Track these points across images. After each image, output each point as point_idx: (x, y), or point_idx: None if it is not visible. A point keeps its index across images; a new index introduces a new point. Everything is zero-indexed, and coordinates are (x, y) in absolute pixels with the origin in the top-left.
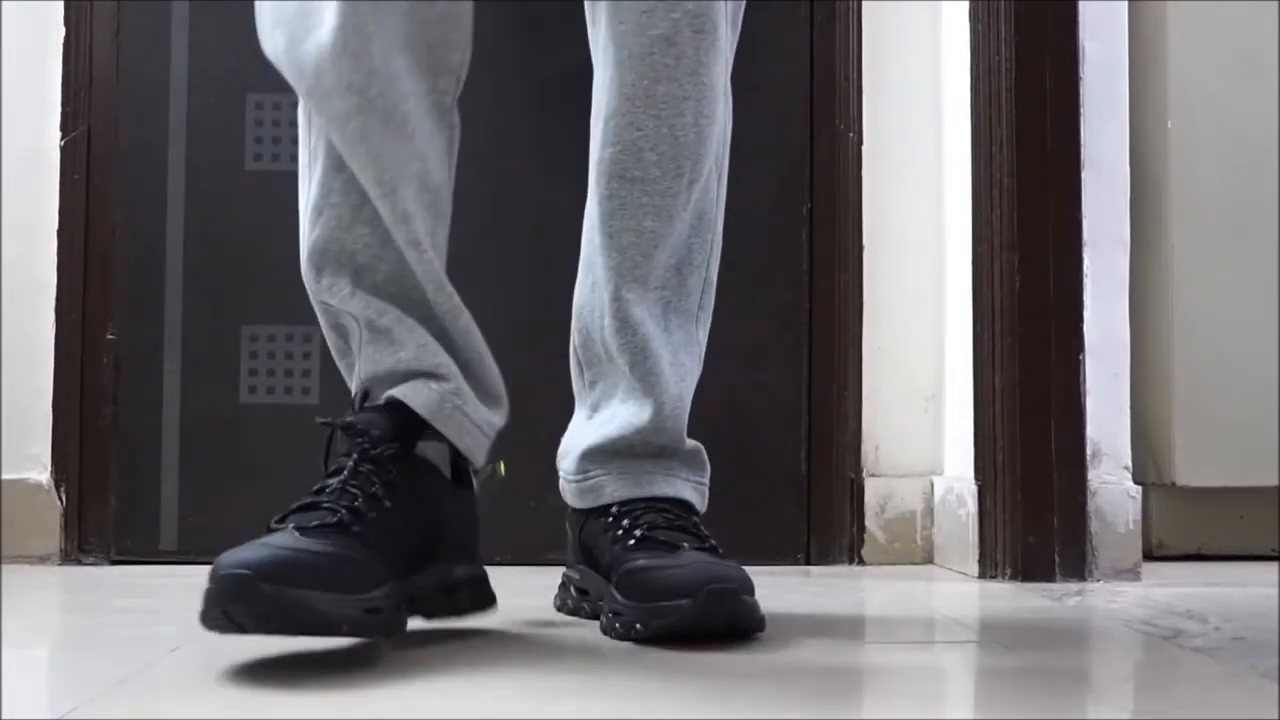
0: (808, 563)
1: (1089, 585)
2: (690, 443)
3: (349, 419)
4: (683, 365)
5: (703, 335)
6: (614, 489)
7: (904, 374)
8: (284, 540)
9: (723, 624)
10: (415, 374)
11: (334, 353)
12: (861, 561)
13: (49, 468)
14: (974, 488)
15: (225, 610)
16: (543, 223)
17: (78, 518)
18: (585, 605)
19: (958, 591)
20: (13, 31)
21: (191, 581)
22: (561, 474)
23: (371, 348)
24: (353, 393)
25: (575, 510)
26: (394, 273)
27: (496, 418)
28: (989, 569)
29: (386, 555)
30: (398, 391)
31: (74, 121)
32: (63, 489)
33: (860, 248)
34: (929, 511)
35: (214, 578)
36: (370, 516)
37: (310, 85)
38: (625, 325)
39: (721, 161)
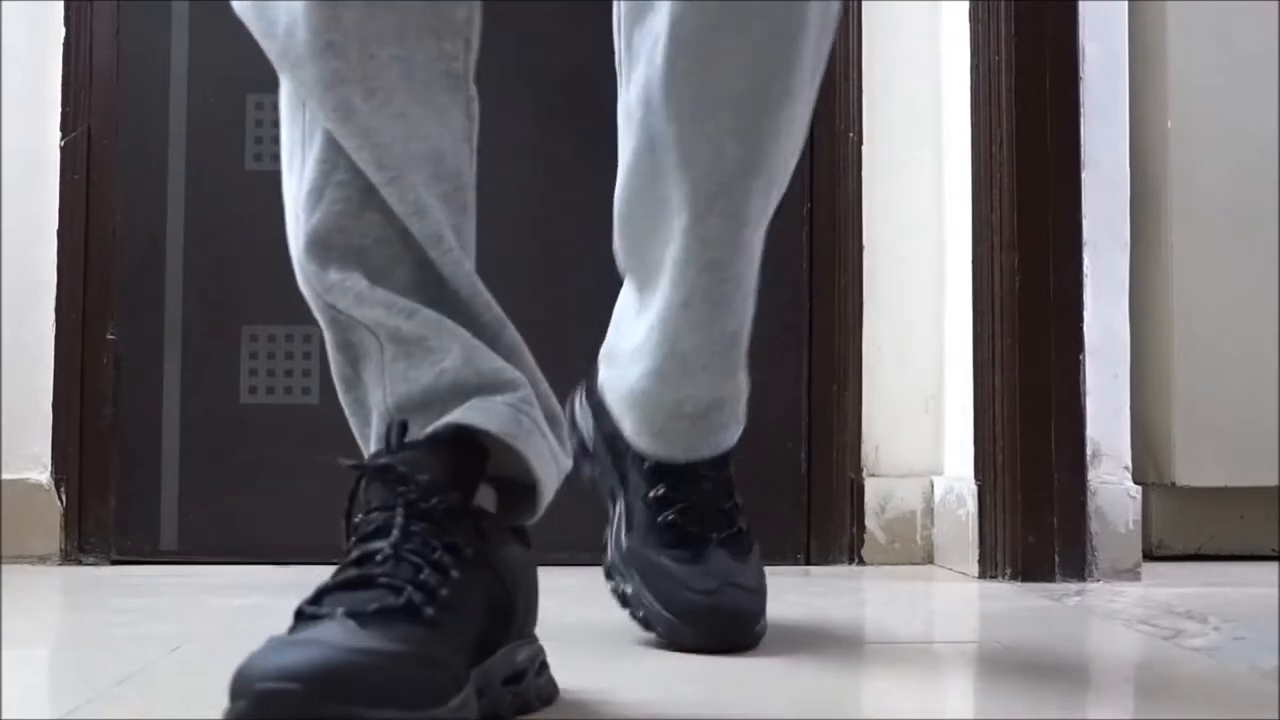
0: (808, 563)
1: (1089, 585)
2: (744, 379)
3: (384, 460)
4: (746, 304)
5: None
6: (655, 446)
7: (904, 374)
8: (336, 635)
9: (729, 646)
10: (467, 388)
11: (338, 382)
12: (861, 561)
13: (49, 467)
14: (974, 488)
15: None
16: (541, 223)
17: (78, 518)
18: (586, 466)
19: (958, 592)
20: (13, 31)
21: (192, 581)
22: (603, 375)
23: (401, 364)
24: (374, 427)
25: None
26: (416, 277)
27: (564, 456)
28: (989, 569)
29: (460, 645)
30: (458, 415)
31: (74, 122)
32: (63, 489)
33: (860, 248)
34: (929, 511)
35: (245, 691)
36: (442, 594)
37: (282, 47)
38: (699, 263)
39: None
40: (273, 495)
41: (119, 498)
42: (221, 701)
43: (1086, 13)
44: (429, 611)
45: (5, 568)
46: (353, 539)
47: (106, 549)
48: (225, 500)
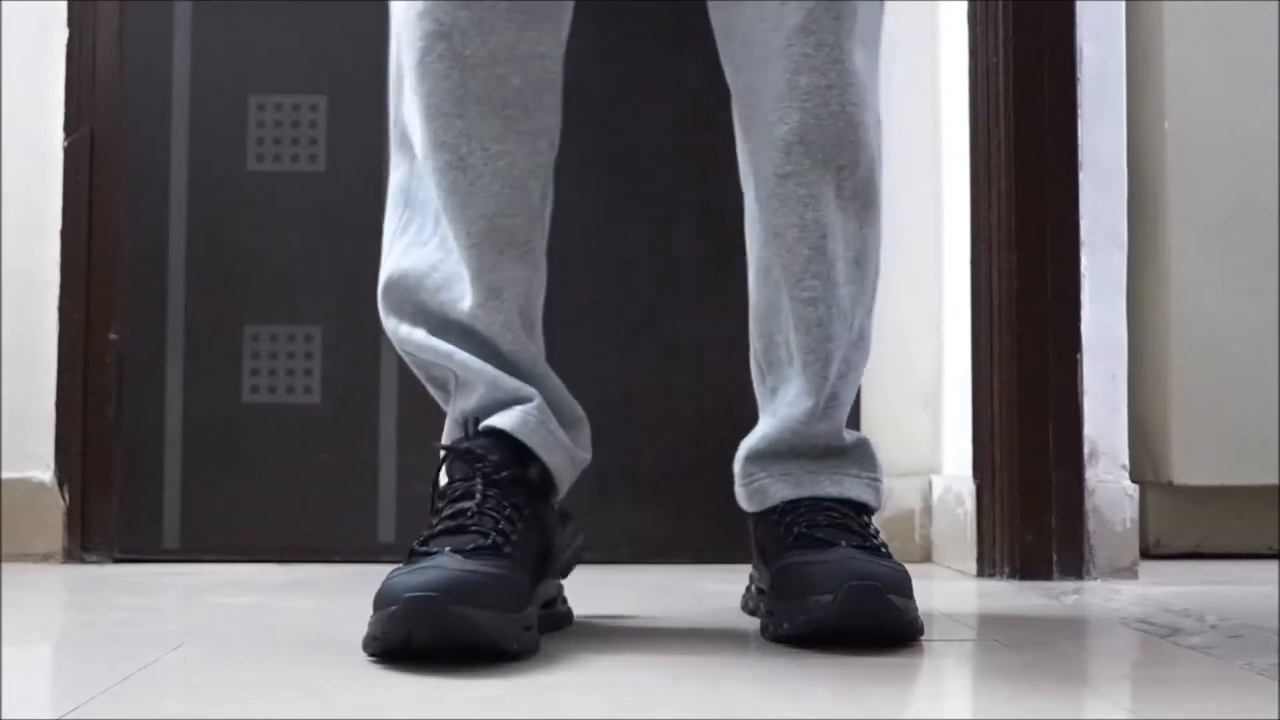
0: None
1: (1086, 583)
2: (852, 436)
3: (466, 445)
4: (847, 361)
5: (872, 325)
6: (777, 490)
7: (903, 373)
8: (450, 563)
9: (868, 624)
10: (497, 405)
11: (429, 386)
12: None
13: (52, 467)
14: (972, 486)
15: (411, 631)
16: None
17: (81, 516)
18: (763, 604)
19: (956, 590)
20: (15, 32)
21: (193, 580)
22: (735, 477)
23: (459, 393)
24: (457, 418)
25: (750, 512)
26: (463, 330)
27: (581, 451)
28: (987, 567)
29: (526, 573)
30: (490, 421)
31: (77, 122)
32: (65, 488)
33: None
34: (927, 510)
35: (396, 600)
36: (513, 538)
37: (414, 140)
38: (803, 323)
39: (880, 148)
40: (274, 494)
41: (121, 496)
42: (223, 700)
43: (1084, 14)
44: (507, 549)
45: (8, 566)
46: (442, 501)
47: (109, 547)
48: (227, 499)
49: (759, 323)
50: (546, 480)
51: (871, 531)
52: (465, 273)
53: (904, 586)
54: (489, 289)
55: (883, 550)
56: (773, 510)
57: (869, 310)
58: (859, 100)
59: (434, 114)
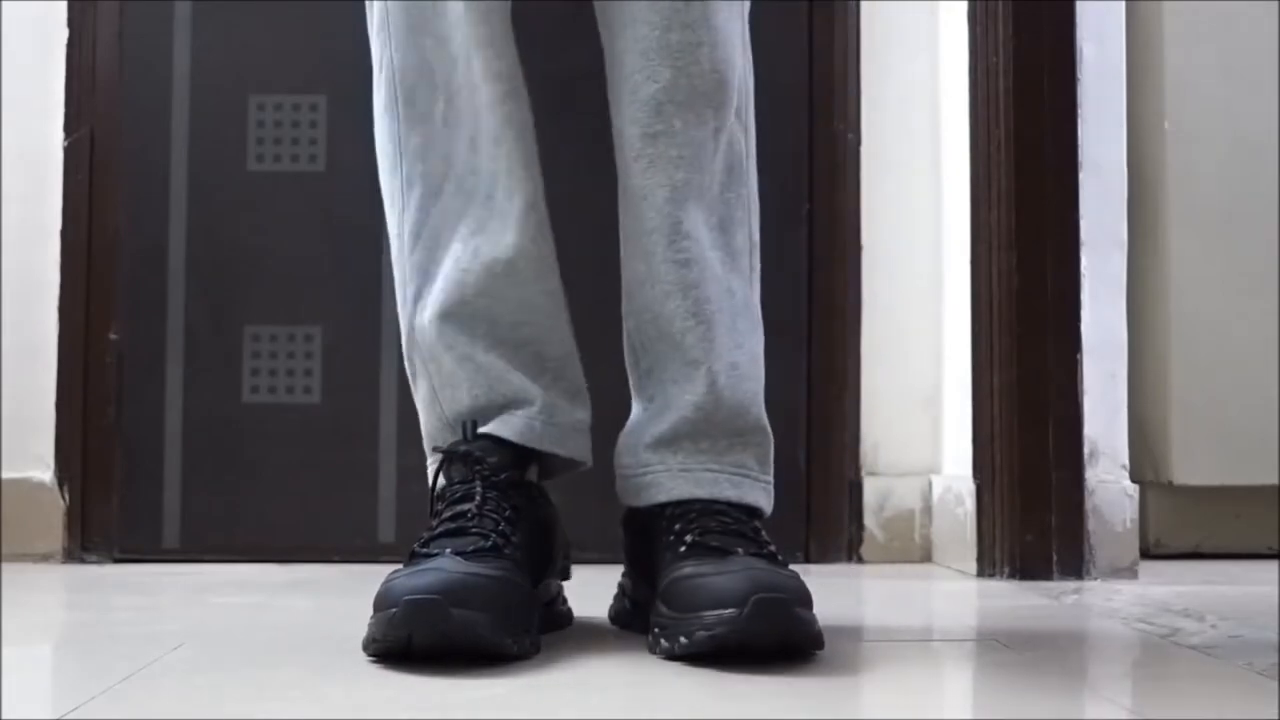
0: (807, 561)
1: (1086, 583)
2: (756, 420)
3: (464, 448)
4: (735, 328)
5: (756, 300)
6: (673, 486)
7: (902, 374)
8: (451, 565)
9: (774, 639)
10: (494, 407)
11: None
12: (860, 560)
13: (52, 466)
14: (972, 486)
15: (411, 634)
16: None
17: (81, 516)
18: (638, 619)
19: (956, 590)
20: (15, 32)
21: (193, 580)
22: (618, 471)
23: (448, 390)
24: (447, 417)
25: (630, 511)
26: (489, 331)
27: (583, 414)
28: (987, 567)
29: (527, 574)
30: (490, 428)
31: (77, 122)
32: (66, 488)
33: (859, 248)
34: (927, 510)
35: (395, 603)
36: (515, 540)
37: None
38: (677, 289)
39: (745, 114)
40: (274, 494)
41: (121, 496)
42: (223, 700)
43: (1084, 14)
44: (508, 551)
45: (8, 566)
46: (442, 503)
47: (109, 547)
48: (227, 499)
49: (630, 299)
50: (560, 467)
51: (764, 538)
52: (502, 187)
53: (807, 598)
54: (528, 203)
55: (778, 558)
56: (659, 510)
57: (747, 279)
58: (728, 59)
59: (484, 44)
